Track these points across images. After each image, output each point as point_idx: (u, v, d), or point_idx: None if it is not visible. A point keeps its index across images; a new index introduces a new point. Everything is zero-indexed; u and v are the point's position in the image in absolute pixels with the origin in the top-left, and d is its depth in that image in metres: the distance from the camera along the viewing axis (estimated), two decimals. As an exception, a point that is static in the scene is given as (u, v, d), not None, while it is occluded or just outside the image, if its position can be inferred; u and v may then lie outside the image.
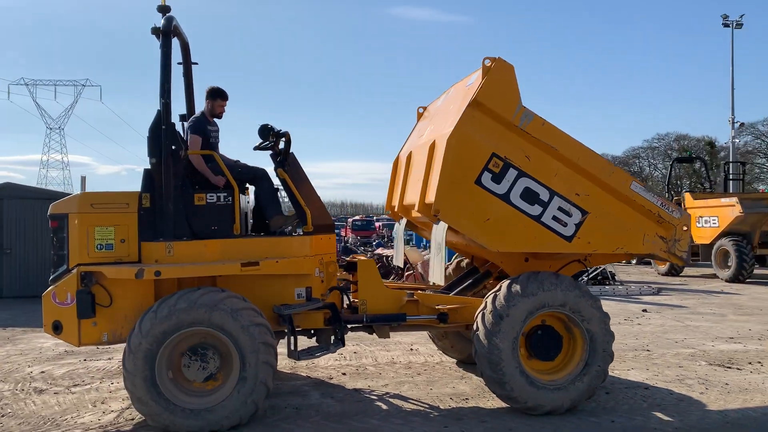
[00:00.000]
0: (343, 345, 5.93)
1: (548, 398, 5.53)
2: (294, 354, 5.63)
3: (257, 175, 6.13)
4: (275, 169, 6.10)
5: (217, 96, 6.27)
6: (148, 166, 5.58)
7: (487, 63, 5.55)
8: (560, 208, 5.69)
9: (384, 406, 5.89)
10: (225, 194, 5.74)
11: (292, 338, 5.61)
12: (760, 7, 70.45)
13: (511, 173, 5.57)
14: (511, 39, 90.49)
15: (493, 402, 5.96)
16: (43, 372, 7.32)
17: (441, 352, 7.74)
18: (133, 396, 5.11)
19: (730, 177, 25.97)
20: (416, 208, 6.08)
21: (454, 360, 7.67)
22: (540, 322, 5.71)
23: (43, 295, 5.49)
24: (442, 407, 5.86)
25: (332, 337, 5.99)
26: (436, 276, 5.84)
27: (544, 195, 5.66)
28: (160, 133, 5.48)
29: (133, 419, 5.59)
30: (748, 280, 17.21)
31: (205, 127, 6.15)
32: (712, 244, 17.93)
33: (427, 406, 5.91)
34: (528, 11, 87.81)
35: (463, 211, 5.58)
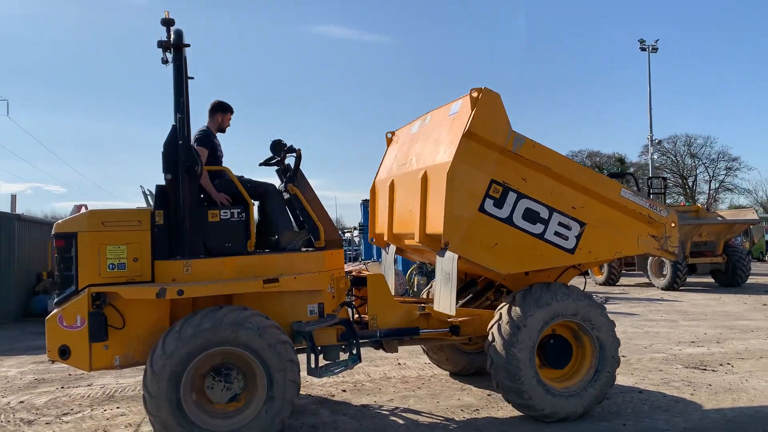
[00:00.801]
0: (360, 361, 5.92)
1: (563, 405, 5.72)
2: (315, 371, 5.58)
3: (268, 191, 6.06)
4: (285, 185, 6.06)
5: (226, 110, 6.18)
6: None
7: (475, 94, 5.60)
8: (560, 223, 5.86)
9: (400, 421, 5.91)
10: (238, 210, 5.65)
11: (312, 355, 5.56)
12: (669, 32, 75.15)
13: (511, 196, 5.69)
14: (431, 57, 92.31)
15: (503, 411, 6.10)
16: (22, 402, 6.89)
17: (434, 365, 7.82)
18: (156, 420, 4.92)
19: (652, 191, 27.47)
20: (417, 239, 6.12)
21: (447, 372, 7.77)
22: (550, 332, 5.91)
23: (48, 319, 5.21)
24: (457, 419, 5.94)
25: (348, 353, 5.96)
26: (445, 306, 5.78)
27: (544, 213, 5.81)
28: (177, 148, 5.35)
29: (147, 445, 5.38)
30: (681, 288, 18.24)
31: (212, 141, 6.04)
32: (647, 255, 18.87)
33: (442, 418, 5.97)
34: (448, 31, 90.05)
35: (471, 240, 5.66)
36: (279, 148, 6.03)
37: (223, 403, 5.13)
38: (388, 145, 7.73)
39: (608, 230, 6.04)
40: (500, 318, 5.79)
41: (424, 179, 6.01)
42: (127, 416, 6.24)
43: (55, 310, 5.24)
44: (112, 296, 5.19)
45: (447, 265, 5.76)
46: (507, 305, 5.83)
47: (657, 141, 38.14)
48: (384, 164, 7.64)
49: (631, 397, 6.53)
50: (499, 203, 5.67)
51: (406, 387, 7.18)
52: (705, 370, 7.76)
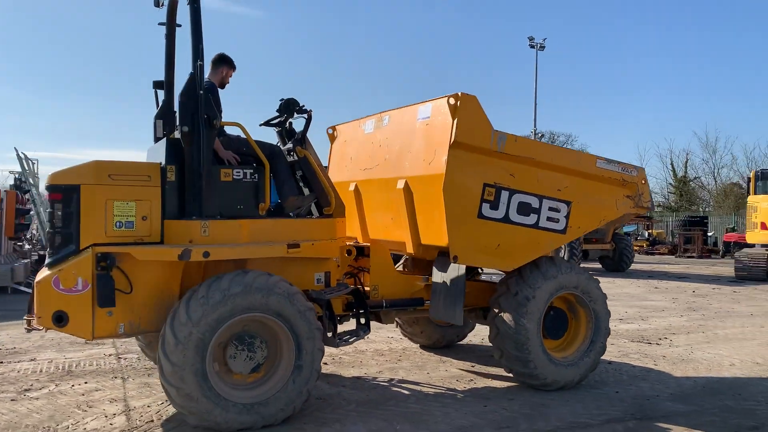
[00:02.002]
0: (370, 330, 5.79)
1: (563, 374, 5.94)
2: (332, 341, 5.39)
3: (273, 152, 5.71)
4: (293, 148, 5.76)
5: (231, 65, 5.74)
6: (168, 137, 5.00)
7: (452, 101, 5.37)
8: (550, 208, 5.93)
9: (405, 392, 5.86)
10: (251, 171, 5.30)
11: (329, 324, 5.37)
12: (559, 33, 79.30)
13: (504, 195, 5.68)
14: (302, 35, 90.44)
15: (498, 382, 6.24)
16: (-37, 378, 6.08)
17: (406, 338, 7.82)
18: (178, 393, 4.52)
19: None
20: (410, 250, 6.04)
21: (416, 345, 7.81)
22: (549, 303, 6.09)
23: (38, 282, 4.63)
24: (459, 389, 5.99)
25: (356, 323, 5.82)
26: (452, 316, 5.74)
27: (535, 203, 5.85)
28: (196, 98, 4.92)
29: (152, 420, 4.94)
30: (574, 272, 19.47)
31: (217, 96, 5.60)
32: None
33: (444, 389, 5.99)
34: (320, 11, 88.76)
35: (476, 247, 5.64)
36: (291, 107, 5.71)
37: (245, 374, 4.83)
38: (331, 142, 7.50)
39: (591, 202, 6.18)
40: (507, 290, 5.88)
41: (407, 191, 5.86)
42: (105, 391, 5.70)
43: (47, 272, 4.65)
44: (122, 257, 4.70)
45: (452, 276, 5.74)
46: (513, 278, 5.93)
47: (540, 135, 40.34)
48: (335, 162, 7.37)
49: (605, 368, 6.89)
50: (494, 205, 5.64)
51: (385, 359, 7.13)
52: (650, 343, 8.37)
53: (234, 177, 5.23)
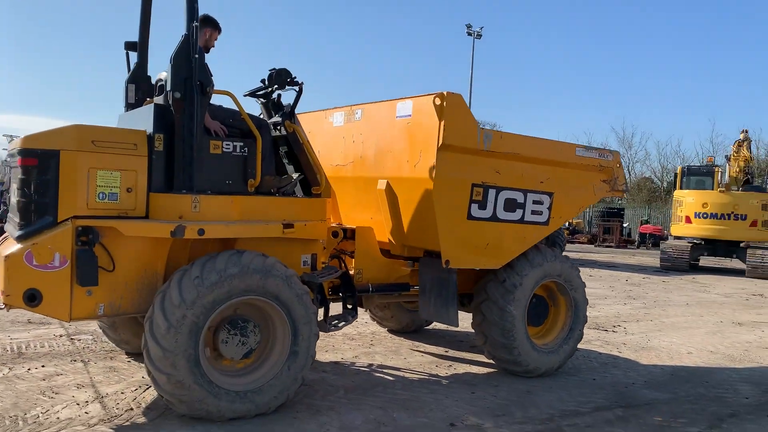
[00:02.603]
0: (357, 315, 5.60)
1: (544, 361, 5.96)
2: (323, 325, 5.16)
3: (261, 125, 5.38)
4: (282, 122, 5.45)
5: (215, 27, 5.32)
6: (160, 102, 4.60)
7: (438, 102, 5.08)
8: (534, 201, 5.86)
9: (388, 378, 5.72)
10: (241, 144, 4.96)
11: (321, 309, 5.14)
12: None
13: (491, 193, 5.56)
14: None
15: (478, 367, 6.20)
16: None
17: (375, 322, 7.66)
18: (168, 380, 4.19)
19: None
20: (394, 250, 5.93)
21: (384, 330, 7.68)
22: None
23: (7, 256, 4.15)
24: (441, 374, 5.91)
25: (343, 307, 5.61)
26: (446, 318, 5.64)
27: (520, 198, 5.76)
28: (189, 62, 4.55)
29: (131, 408, 4.58)
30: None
31: (204, 61, 5.20)
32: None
33: (426, 374, 5.89)
34: None
35: (466, 249, 5.53)
36: (284, 78, 5.37)
37: (237, 359, 4.55)
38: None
39: (571, 191, 6.15)
40: (494, 277, 5.82)
41: (390, 192, 5.66)
42: (67, 376, 5.26)
43: (17, 246, 4.19)
44: (106, 231, 4.30)
45: (442, 277, 5.61)
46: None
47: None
48: None
49: (575, 354, 6.98)
50: (482, 204, 5.51)
51: (358, 344, 6.96)
52: (607, 331, 8.58)
53: (224, 150, 4.88)
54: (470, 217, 5.43)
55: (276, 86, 5.40)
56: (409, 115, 5.48)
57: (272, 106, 5.64)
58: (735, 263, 20.87)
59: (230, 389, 4.41)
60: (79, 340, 6.48)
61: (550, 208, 5.96)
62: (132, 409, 4.57)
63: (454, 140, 5.15)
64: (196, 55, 4.56)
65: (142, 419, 4.41)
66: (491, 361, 6.32)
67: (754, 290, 14.48)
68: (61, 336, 6.61)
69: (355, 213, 6.27)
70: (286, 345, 4.63)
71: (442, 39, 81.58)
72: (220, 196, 4.71)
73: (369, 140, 5.93)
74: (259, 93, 5.60)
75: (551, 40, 79.74)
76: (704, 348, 7.72)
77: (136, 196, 4.48)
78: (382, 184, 5.70)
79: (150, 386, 5.04)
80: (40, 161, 4.22)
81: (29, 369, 5.38)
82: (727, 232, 18.28)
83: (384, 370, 5.94)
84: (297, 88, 5.44)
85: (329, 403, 4.90)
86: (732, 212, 18.15)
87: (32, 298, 4.19)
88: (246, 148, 4.98)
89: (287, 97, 5.61)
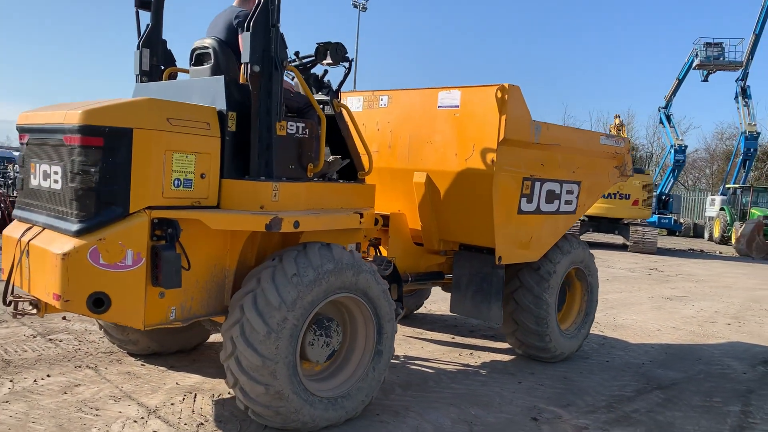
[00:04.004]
0: (404, 306, 5.33)
1: (567, 345, 6.07)
2: None
3: (308, 104, 4.91)
4: (330, 101, 5.01)
5: None
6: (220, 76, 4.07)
7: (500, 95, 4.90)
8: (567, 192, 5.87)
9: (427, 371, 5.54)
10: (303, 125, 4.49)
11: None
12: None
13: (536, 186, 5.51)
14: None
15: (497, 354, 6.20)
16: None
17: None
18: (268, 391, 3.74)
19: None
20: (433, 246, 5.69)
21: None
22: (552, 277, 6.15)
23: (65, 255, 3.47)
24: (472, 364, 5.83)
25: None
26: (496, 317, 5.50)
27: (558, 189, 5.75)
28: (267, 32, 4.02)
29: (201, 423, 4.06)
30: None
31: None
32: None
33: (460, 365, 5.78)
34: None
35: (516, 244, 5.44)
36: (340, 53, 4.91)
37: (321, 363, 4.17)
38: None
39: (594, 179, 6.23)
40: (527, 265, 5.79)
41: (429, 185, 5.41)
42: (87, 386, 4.55)
43: (76, 242, 3.51)
44: (190, 224, 3.75)
45: (485, 273, 5.48)
46: (535, 252, 5.86)
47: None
48: None
49: (568, 336, 7.20)
50: (530, 198, 5.44)
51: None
52: (571, 310, 8.94)
53: (288, 131, 4.39)
54: (520, 211, 5.35)
55: (330, 61, 4.94)
56: (457, 106, 5.24)
57: (313, 82, 5.17)
58: (614, 238, 22.65)
59: (323, 396, 4.03)
60: (60, 340, 5.64)
61: (578, 197, 6.03)
62: (202, 423, 4.04)
63: (513, 134, 5.00)
64: (277, 24, 4.04)
65: (221, 435, 3.92)
66: (503, 345, 6.38)
67: (647, 265, 15.80)
68: (34, 336, 5.71)
69: (379, 203, 5.92)
70: (370, 344, 4.32)
71: (327, 12, 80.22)
72: (296, 183, 4.26)
73: (400, 129, 5.62)
74: (310, 66, 5.10)
75: (435, 11, 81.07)
76: (665, 325, 8.29)
77: (209, 182, 3.93)
78: (419, 177, 5.42)
79: (196, 394, 4.50)
80: (108, 141, 3.54)
81: (35, 381, 4.59)
82: (613, 210, 19.73)
83: (416, 363, 5.74)
84: (347, 64, 5.03)
85: (399, 403, 4.65)
86: (618, 192, 19.60)
87: (99, 303, 3.56)
88: (307, 130, 4.53)
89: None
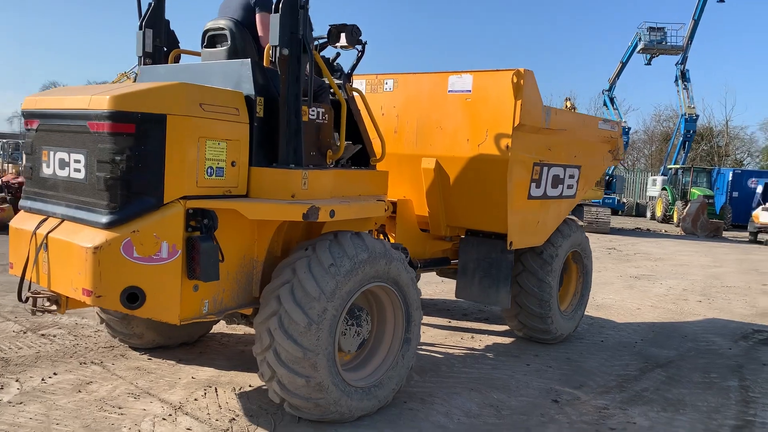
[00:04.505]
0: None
1: (566, 327, 6.19)
2: None
3: (323, 88, 4.79)
4: (342, 84, 4.90)
5: None
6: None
7: (516, 79, 4.86)
8: (569, 176, 5.93)
9: (436, 356, 5.56)
10: (322, 111, 4.38)
11: None
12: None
13: (544, 171, 5.51)
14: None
15: (497, 337, 6.27)
16: None
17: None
18: (309, 383, 3.66)
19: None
20: (436, 230, 5.65)
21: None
22: (550, 260, 6.24)
23: (96, 249, 3.30)
24: (476, 347, 5.89)
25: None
26: (505, 300, 5.55)
27: (561, 173, 5.79)
28: (295, 13, 3.88)
29: (233, 418, 3.95)
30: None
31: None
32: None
33: (464, 348, 5.82)
34: None
35: (525, 230, 5.45)
36: (356, 36, 4.79)
37: (352, 352, 4.12)
38: None
39: (591, 163, 6.30)
40: (530, 249, 5.85)
41: (439, 171, 5.37)
42: (100, 383, 4.37)
43: (107, 235, 3.34)
44: (227, 214, 3.62)
45: (493, 257, 5.50)
46: (538, 236, 5.92)
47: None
48: None
49: (557, 317, 7.35)
50: (538, 183, 5.46)
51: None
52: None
53: (309, 116, 4.28)
54: (530, 196, 5.39)
55: (344, 44, 4.82)
56: (469, 91, 5.21)
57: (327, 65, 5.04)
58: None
59: (357, 386, 3.99)
60: (54, 336, 5.38)
61: (578, 181, 6.11)
62: (234, 419, 3.93)
63: (527, 119, 5.00)
64: (306, 6, 3.91)
65: (260, 430, 3.82)
66: (498, 328, 6.46)
67: (604, 244, 16.26)
68: (24, 332, 5.43)
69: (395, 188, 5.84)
70: (399, 332, 4.29)
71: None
72: (322, 170, 4.15)
73: (406, 114, 5.56)
74: (319, 49, 4.96)
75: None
76: (644, 303, 8.56)
77: (239, 170, 3.79)
78: (428, 163, 5.38)
79: (216, 387, 4.38)
80: (140, 128, 3.37)
81: (43, 379, 4.37)
82: (568, 191, 20.20)
83: (422, 348, 5.72)
84: (360, 47, 4.93)
85: (421, 389, 4.65)
86: (572, 174, 20.05)
87: (133, 299, 3.41)
88: (326, 115, 4.42)
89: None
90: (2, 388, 4.16)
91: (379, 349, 4.28)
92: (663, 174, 30.30)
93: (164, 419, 3.85)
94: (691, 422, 4.41)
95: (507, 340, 6.20)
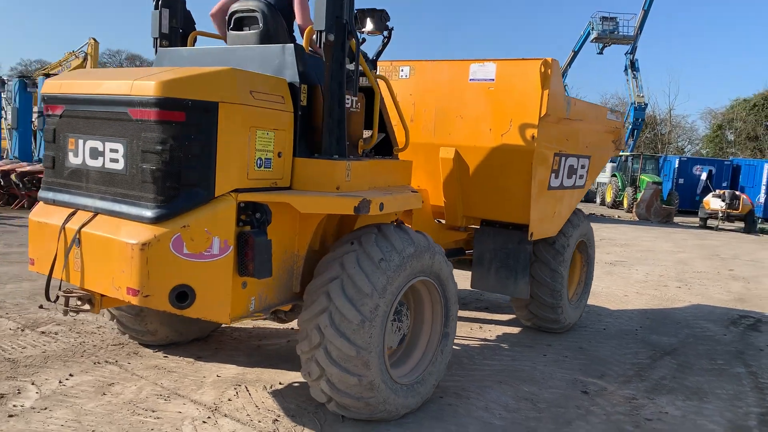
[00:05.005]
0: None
1: (573, 316, 6.24)
2: None
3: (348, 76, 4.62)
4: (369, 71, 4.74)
5: None
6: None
7: (543, 69, 4.81)
8: (581, 166, 5.95)
9: (454, 347, 5.49)
10: (356, 99, 4.22)
11: None
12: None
13: (562, 162, 5.50)
14: None
15: (506, 327, 6.27)
16: None
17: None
18: (360, 382, 3.55)
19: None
20: (452, 220, 5.57)
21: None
22: (557, 250, 6.27)
23: (143, 245, 3.10)
24: (489, 338, 5.86)
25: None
26: (524, 291, 5.53)
27: (576, 163, 5.79)
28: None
29: (276, 419, 3.79)
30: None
31: None
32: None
33: (479, 340, 5.79)
34: None
35: (544, 220, 5.44)
36: (384, 20, 4.63)
37: (393, 347, 4.02)
38: None
39: (599, 153, 6.33)
40: (542, 239, 5.84)
41: (458, 161, 5.29)
42: (123, 385, 4.14)
43: (154, 230, 3.14)
44: (281, 208, 3.46)
45: (511, 248, 5.48)
46: (549, 227, 5.92)
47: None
48: None
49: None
50: (557, 173, 5.44)
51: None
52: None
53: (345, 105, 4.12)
54: (549, 187, 5.37)
55: (372, 29, 4.66)
56: (492, 80, 5.13)
57: (349, 52, 4.86)
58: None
59: (402, 382, 3.89)
60: (56, 333, 5.08)
61: (587, 171, 6.13)
62: (276, 419, 3.78)
63: (552, 109, 4.96)
64: (353, -11, 3.75)
65: (307, 430, 3.68)
66: (502, 317, 6.47)
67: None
68: (22, 330, 5.10)
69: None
70: (437, 327, 4.21)
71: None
72: (361, 161, 4.01)
73: (423, 102, 5.45)
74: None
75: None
76: (629, 290, 8.73)
77: (284, 161, 3.62)
78: (447, 152, 5.29)
79: (246, 386, 4.21)
80: (190, 116, 3.16)
81: (60, 381, 4.11)
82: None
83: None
84: (387, 33, 4.78)
85: (452, 383, 4.59)
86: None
87: (183, 298, 3.22)
88: (359, 104, 4.27)
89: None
90: (20, 393, 3.89)
91: (417, 345, 4.19)
92: (612, 161, 31.08)
93: (204, 422, 3.67)
94: (719, 410, 4.49)
95: (515, 330, 6.20)
